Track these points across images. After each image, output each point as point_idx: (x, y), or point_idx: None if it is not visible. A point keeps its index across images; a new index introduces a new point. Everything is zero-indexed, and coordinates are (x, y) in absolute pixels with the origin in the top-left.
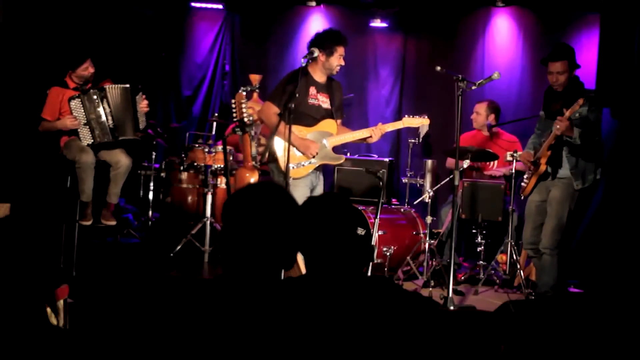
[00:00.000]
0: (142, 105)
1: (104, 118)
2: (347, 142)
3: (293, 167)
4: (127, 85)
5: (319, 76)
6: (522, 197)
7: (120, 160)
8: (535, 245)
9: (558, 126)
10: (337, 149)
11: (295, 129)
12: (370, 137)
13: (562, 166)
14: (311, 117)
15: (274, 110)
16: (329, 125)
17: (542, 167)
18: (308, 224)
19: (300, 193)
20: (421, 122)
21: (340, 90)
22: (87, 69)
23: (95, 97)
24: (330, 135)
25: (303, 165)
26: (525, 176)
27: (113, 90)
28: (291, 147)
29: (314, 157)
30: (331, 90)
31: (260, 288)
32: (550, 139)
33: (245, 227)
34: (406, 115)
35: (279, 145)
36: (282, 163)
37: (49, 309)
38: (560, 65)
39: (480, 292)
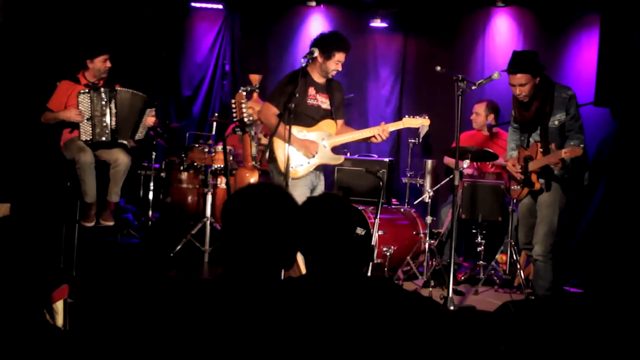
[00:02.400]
0: (150, 118)
1: (107, 117)
2: (347, 142)
3: (292, 168)
4: (144, 95)
5: (318, 77)
6: (515, 201)
7: (119, 158)
8: (532, 245)
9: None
10: (336, 149)
11: (295, 129)
12: (374, 137)
13: (551, 177)
14: (310, 117)
15: (273, 111)
16: (328, 125)
17: (537, 185)
18: (308, 224)
19: (299, 193)
20: (421, 123)
21: (340, 91)
22: (106, 61)
23: (104, 95)
24: (329, 135)
25: (302, 165)
26: (513, 184)
27: (124, 93)
28: (291, 147)
29: (313, 157)
30: (331, 90)
31: (260, 288)
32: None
33: (245, 227)
34: (406, 116)
35: (278, 145)
36: (281, 163)
37: (47, 310)
38: (522, 77)
39: (480, 292)
